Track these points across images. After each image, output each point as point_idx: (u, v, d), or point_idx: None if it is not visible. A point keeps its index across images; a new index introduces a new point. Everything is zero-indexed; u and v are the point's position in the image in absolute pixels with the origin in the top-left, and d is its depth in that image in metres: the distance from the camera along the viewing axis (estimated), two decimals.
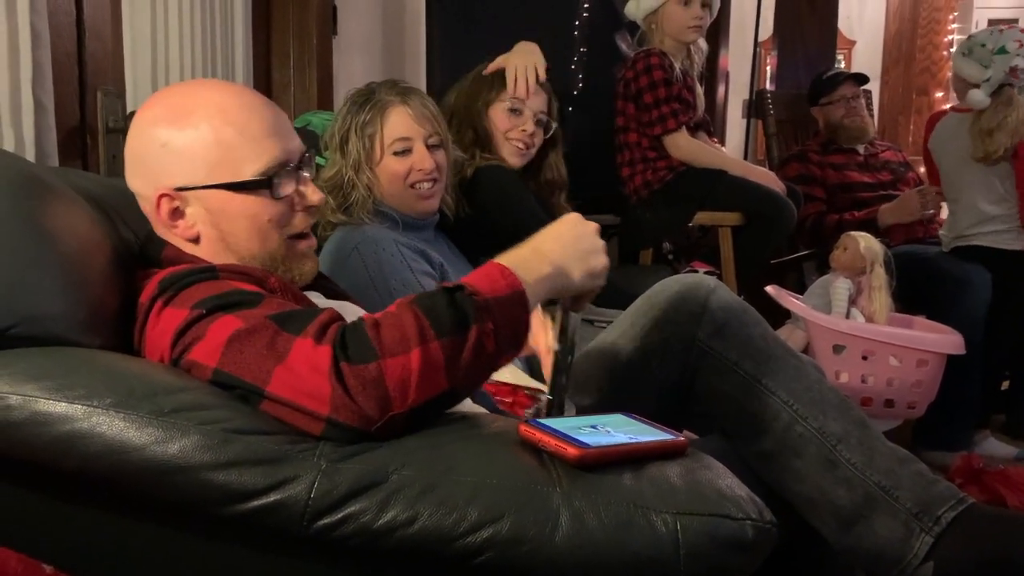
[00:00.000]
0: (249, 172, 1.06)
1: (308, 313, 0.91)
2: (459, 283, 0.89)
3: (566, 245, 1.01)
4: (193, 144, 1.05)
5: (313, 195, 1.11)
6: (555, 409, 1.05)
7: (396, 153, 1.65)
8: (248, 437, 0.82)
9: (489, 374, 0.92)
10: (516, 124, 2.00)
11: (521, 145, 2.00)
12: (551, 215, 2.04)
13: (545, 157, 2.08)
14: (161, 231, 1.11)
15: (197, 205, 1.07)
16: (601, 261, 1.03)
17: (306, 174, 1.12)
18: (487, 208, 1.88)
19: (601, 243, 1.04)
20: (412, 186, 1.67)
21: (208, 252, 1.09)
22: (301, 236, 1.13)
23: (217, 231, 1.08)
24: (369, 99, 1.67)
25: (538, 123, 2.02)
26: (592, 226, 1.04)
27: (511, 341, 0.90)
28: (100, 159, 1.71)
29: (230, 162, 1.05)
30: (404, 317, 0.85)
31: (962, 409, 2.43)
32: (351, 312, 1.18)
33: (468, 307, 0.86)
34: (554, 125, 2.06)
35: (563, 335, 1.05)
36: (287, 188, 1.08)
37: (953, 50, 4.45)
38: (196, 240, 1.08)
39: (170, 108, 1.08)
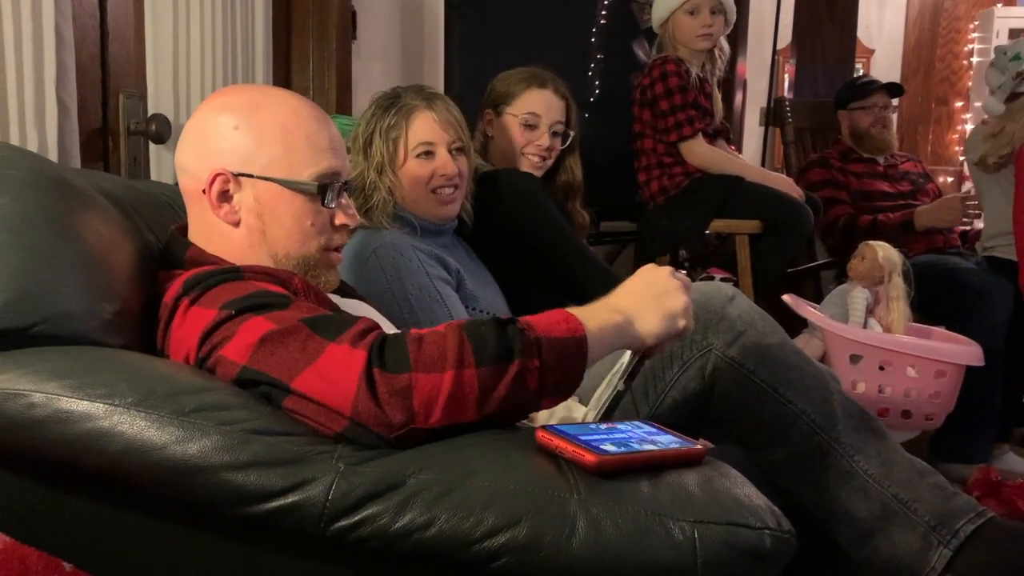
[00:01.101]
0: (305, 175, 1.09)
1: (341, 319, 0.92)
2: (513, 317, 0.90)
3: (637, 293, 1.01)
4: (262, 134, 1.08)
5: (354, 216, 1.15)
6: None
7: (419, 157, 1.66)
8: (268, 438, 0.82)
9: (526, 413, 0.92)
10: (531, 139, 2.00)
11: (537, 159, 2.01)
12: (569, 220, 2.04)
13: (562, 160, 2.08)
14: (198, 211, 1.12)
15: (248, 192, 1.09)
16: (678, 301, 1.01)
17: (348, 197, 1.16)
18: (507, 214, 1.88)
19: (675, 283, 1.02)
20: (434, 191, 1.68)
21: (243, 241, 1.10)
22: (334, 249, 1.15)
23: (260, 222, 1.09)
24: (395, 103, 1.68)
25: (555, 134, 2.02)
26: (664, 269, 1.04)
27: (558, 384, 0.90)
28: (122, 161, 1.72)
29: (290, 161, 1.08)
30: (448, 338, 0.86)
31: (981, 421, 2.40)
32: (365, 312, 1.18)
33: (516, 340, 0.86)
34: (571, 134, 2.05)
35: (630, 378, 1.05)
36: (335, 200, 1.12)
37: (975, 59, 4.44)
38: (236, 225, 1.10)
39: (247, 99, 1.11)
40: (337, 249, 1.16)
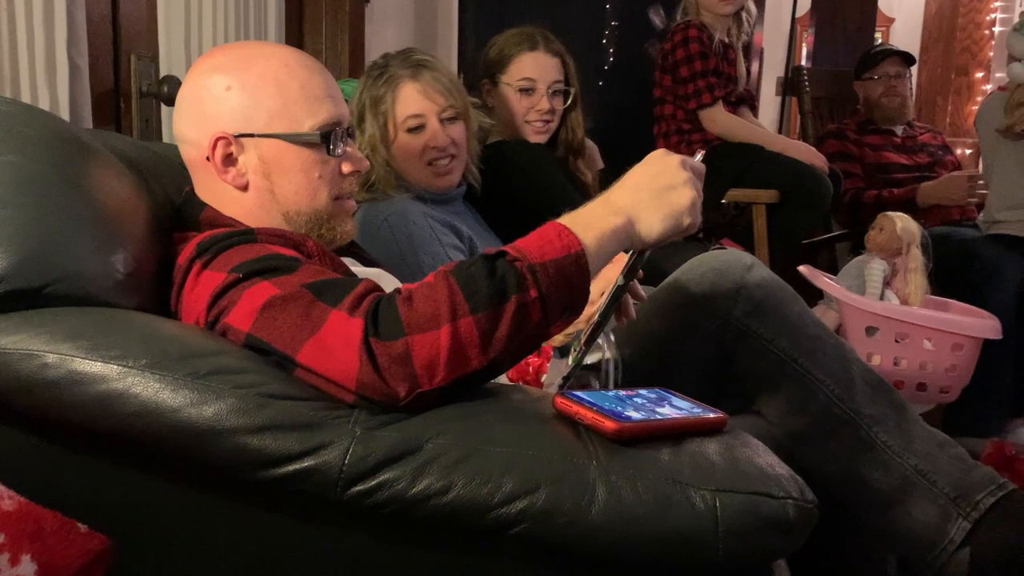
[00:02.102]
0: (306, 127, 1.07)
1: (345, 283, 0.90)
2: (502, 249, 0.86)
3: (640, 187, 0.92)
4: (257, 91, 1.06)
5: (361, 160, 1.13)
6: (597, 330, 0.99)
7: (410, 130, 1.62)
8: (283, 402, 0.81)
9: (538, 343, 0.88)
10: (530, 105, 1.94)
11: (540, 124, 1.95)
12: (574, 182, 2.00)
13: (563, 118, 2.01)
14: (205, 179, 1.10)
15: (252, 153, 1.07)
16: (684, 197, 0.91)
17: (352, 143, 1.14)
18: (514, 187, 1.84)
19: (684, 175, 0.92)
20: (430, 163, 1.63)
21: (254, 203, 1.09)
22: (346, 197, 1.14)
23: (267, 182, 1.08)
24: (383, 73, 1.63)
25: (555, 94, 1.96)
26: (675, 158, 0.93)
27: (564, 306, 0.85)
28: (134, 123, 1.71)
29: (290, 114, 1.07)
30: (438, 289, 0.82)
31: (994, 395, 2.39)
32: (387, 280, 1.17)
33: (509, 276, 0.82)
34: (572, 91, 1.99)
35: (630, 273, 0.98)
36: (340, 148, 1.10)
37: (997, 28, 4.36)
38: (244, 188, 1.09)
39: (234, 58, 1.09)
40: (348, 196, 1.14)
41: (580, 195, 1.97)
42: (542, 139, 1.97)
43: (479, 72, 2.04)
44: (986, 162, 2.70)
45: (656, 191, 0.92)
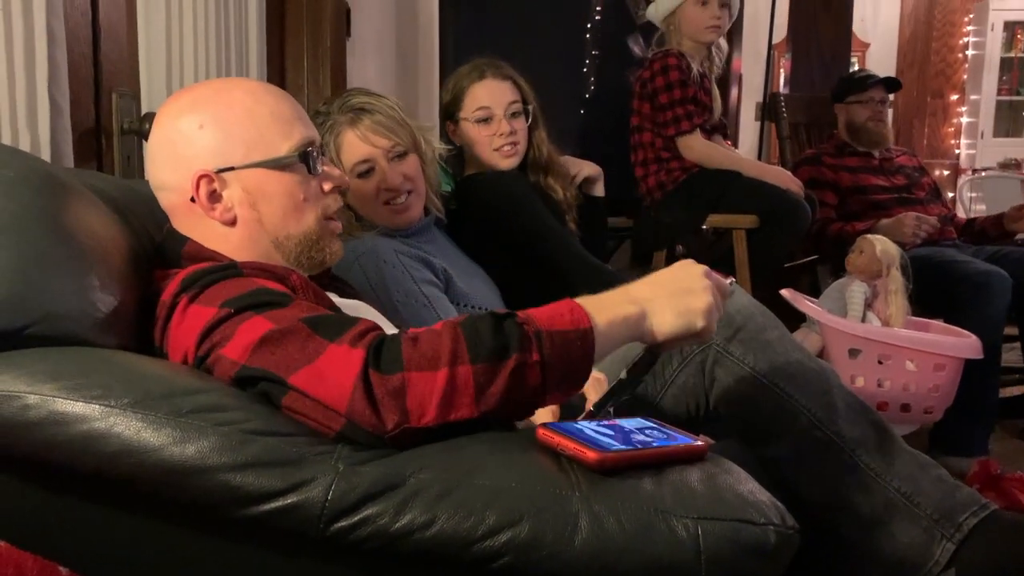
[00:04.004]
0: (284, 150, 1.08)
1: (342, 320, 0.91)
2: (512, 312, 0.87)
3: (659, 284, 0.95)
4: (229, 123, 1.07)
5: (340, 176, 1.14)
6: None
7: (360, 175, 1.61)
8: (266, 439, 0.81)
9: (531, 409, 0.88)
10: (492, 131, 1.94)
11: (508, 148, 1.94)
12: (546, 201, 1.97)
13: (528, 140, 2.01)
14: (190, 222, 1.10)
15: (235, 186, 1.08)
16: (700, 301, 0.94)
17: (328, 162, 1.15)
18: (485, 220, 1.84)
19: (704, 282, 0.95)
20: (386, 203, 1.63)
21: (243, 237, 1.09)
22: (331, 217, 1.15)
23: (255, 212, 1.08)
24: (325, 121, 1.62)
25: (514, 115, 1.96)
26: (698, 267, 0.97)
27: (564, 378, 0.86)
28: (115, 161, 1.71)
29: (265, 141, 1.07)
30: (443, 335, 0.84)
31: (980, 414, 2.40)
32: (365, 312, 1.18)
33: (513, 335, 0.84)
34: (530, 108, 1.98)
35: (635, 369, 0.99)
36: (319, 167, 1.11)
37: (970, 52, 4.44)
38: (232, 223, 1.09)
39: (199, 97, 1.10)
40: (334, 216, 1.15)
41: (554, 214, 1.97)
42: (513, 163, 1.96)
43: (441, 118, 2.04)
44: None
45: (674, 291, 0.94)
